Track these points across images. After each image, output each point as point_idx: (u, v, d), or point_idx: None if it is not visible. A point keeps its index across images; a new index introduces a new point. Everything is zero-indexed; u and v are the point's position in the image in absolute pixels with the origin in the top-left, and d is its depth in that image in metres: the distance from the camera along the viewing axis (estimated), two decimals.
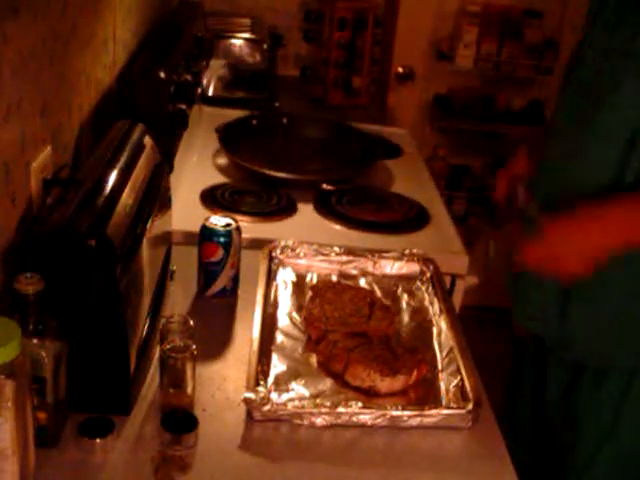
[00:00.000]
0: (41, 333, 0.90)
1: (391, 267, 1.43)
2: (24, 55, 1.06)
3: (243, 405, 1.05)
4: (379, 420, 1.04)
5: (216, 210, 1.60)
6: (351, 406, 1.04)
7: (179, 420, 0.98)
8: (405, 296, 1.37)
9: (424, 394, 1.12)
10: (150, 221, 1.12)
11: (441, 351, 1.22)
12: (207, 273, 1.32)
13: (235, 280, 1.34)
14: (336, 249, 1.43)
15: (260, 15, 2.73)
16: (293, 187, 1.80)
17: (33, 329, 0.89)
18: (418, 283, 1.41)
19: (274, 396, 1.06)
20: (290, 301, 1.32)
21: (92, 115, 1.44)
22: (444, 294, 1.36)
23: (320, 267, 1.42)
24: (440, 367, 1.18)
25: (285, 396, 1.07)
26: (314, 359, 1.17)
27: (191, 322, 1.06)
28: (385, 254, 1.44)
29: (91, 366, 0.99)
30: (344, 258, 1.43)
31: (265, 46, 2.49)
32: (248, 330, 1.19)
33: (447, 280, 1.56)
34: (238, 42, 2.48)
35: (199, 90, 1.92)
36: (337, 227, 1.68)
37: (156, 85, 1.48)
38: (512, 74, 2.93)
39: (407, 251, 1.45)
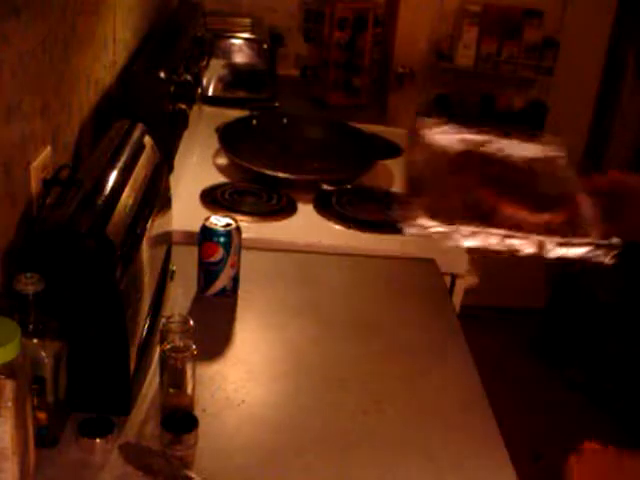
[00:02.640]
0: (41, 333, 0.90)
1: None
2: (24, 55, 1.06)
3: (243, 405, 1.05)
4: (527, 247, 1.02)
5: (216, 210, 1.60)
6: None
7: (179, 420, 0.98)
8: None
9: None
10: (150, 221, 1.12)
11: None
12: (207, 273, 1.32)
13: (235, 280, 1.34)
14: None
15: (260, 15, 2.72)
16: (293, 187, 1.80)
17: (33, 329, 0.89)
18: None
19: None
20: None
21: (92, 115, 1.44)
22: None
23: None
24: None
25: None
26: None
27: (191, 322, 1.07)
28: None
29: (91, 366, 0.99)
30: (479, 138, 1.32)
31: (265, 46, 2.49)
32: (249, 330, 1.19)
33: (447, 280, 1.56)
34: (238, 42, 2.47)
35: (199, 90, 1.92)
36: (337, 227, 1.68)
37: (156, 85, 1.48)
38: (512, 74, 2.93)
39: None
